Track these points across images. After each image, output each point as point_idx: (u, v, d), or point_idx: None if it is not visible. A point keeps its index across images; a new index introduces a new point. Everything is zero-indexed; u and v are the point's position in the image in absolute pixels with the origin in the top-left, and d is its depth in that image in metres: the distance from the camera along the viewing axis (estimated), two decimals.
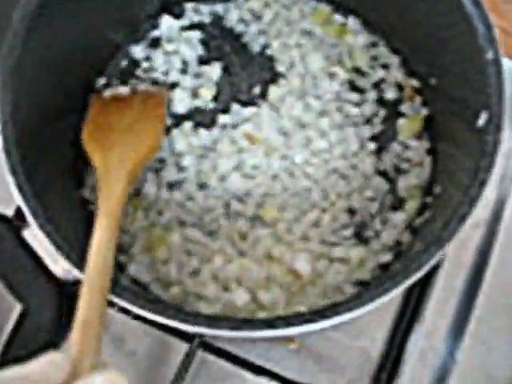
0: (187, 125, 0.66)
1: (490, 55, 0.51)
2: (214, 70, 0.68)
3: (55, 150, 0.61)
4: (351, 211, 0.64)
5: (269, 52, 0.68)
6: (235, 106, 0.67)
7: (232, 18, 0.69)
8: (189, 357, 0.59)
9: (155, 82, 0.68)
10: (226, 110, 0.67)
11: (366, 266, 0.62)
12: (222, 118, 0.66)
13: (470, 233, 0.71)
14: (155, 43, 0.69)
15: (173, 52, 0.69)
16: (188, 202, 0.64)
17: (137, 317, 0.61)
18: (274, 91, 0.66)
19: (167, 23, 0.69)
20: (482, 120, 0.51)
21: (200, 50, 0.69)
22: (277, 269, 0.61)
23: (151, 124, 0.63)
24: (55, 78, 0.60)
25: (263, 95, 0.67)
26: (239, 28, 0.69)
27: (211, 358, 0.61)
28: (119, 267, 0.62)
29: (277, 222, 0.63)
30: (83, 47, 0.63)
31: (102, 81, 0.68)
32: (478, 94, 0.52)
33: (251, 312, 0.60)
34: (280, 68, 0.67)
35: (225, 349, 0.62)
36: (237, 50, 0.69)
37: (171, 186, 0.65)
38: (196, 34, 0.69)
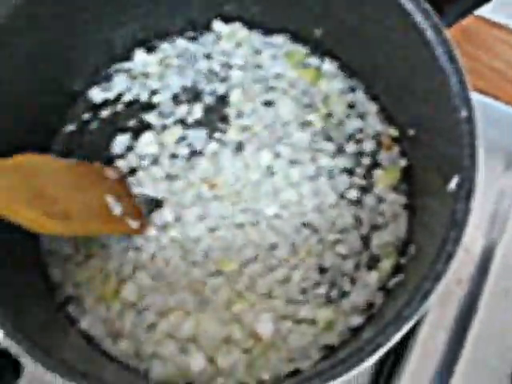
0: (155, 170, 0.63)
1: (463, 113, 0.47)
2: (195, 111, 0.64)
3: None
4: (322, 269, 0.59)
5: (229, 99, 0.64)
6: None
7: (200, 60, 0.65)
8: None
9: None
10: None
11: (334, 328, 0.57)
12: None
13: (452, 289, 0.67)
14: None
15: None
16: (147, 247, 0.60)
17: None
18: (233, 134, 0.62)
19: (141, 58, 0.66)
20: (453, 184, 0.47)
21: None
22: (236, 330, 0.57)
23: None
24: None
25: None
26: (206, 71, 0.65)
27: None
28: (70, 321, 0.59)
29: (238, 276, 0.59)
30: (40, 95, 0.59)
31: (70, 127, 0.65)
32: (451, 153, 0.48)
33: (208, 379, 0.55)
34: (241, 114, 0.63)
35: None
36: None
37: None
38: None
